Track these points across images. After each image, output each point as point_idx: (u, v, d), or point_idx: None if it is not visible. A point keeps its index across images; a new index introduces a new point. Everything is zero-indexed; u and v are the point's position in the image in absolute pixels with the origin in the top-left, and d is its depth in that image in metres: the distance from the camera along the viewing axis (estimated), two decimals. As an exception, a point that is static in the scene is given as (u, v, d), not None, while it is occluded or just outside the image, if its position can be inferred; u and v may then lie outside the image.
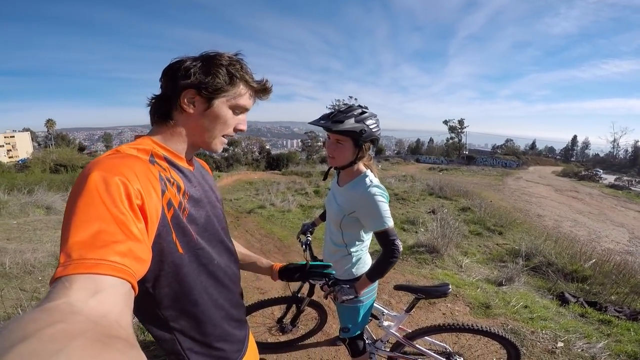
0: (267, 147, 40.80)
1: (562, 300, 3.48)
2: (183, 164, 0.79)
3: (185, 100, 0.73)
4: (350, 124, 1.29)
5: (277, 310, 2.47)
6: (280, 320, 2.16)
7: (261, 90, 0.83)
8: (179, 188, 0.72)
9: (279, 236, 5.60)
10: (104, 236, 0.50)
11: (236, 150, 30.96)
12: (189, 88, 0.72)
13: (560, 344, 2.44)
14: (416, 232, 5.84)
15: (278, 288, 3.35)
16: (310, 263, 1.13)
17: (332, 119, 1.30)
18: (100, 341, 0.33)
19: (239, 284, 0.98)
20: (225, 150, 32.61)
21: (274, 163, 25.71)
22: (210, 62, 0.73)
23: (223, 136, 0.81)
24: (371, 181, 1.36)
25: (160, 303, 0.72)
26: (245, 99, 0.79)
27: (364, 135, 1.30)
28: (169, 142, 0.76)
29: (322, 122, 1.33)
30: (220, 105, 0.76)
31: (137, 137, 0.76)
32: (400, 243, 1.32)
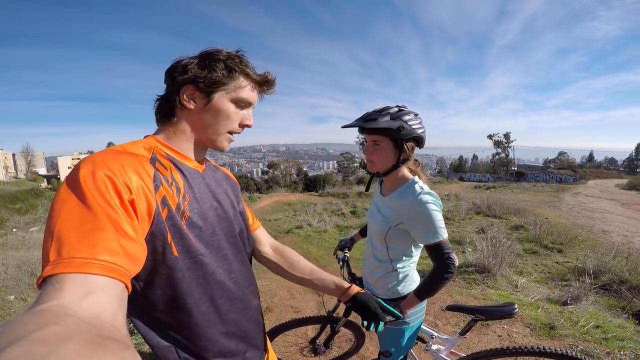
0: (304, 169, 41.52)
1: (640, 319, 3.01)
2: (190, 164, 0.76)
3: (185, 96, 0.72)
4: (385, 121, 1.18)
5: (310, 330, 2.36)
6: (313, 341, 2.03)
7: (264, 83, 0.80)
8: (178, 189, 0.69)
9: (315, 256, 5.54)
10: (95, 234, 0.48)
11: (275, 172, 31.86)
12: (187, 84, 0.71)
13: None
14: (463, 251, 5.47)
15: (312, 307, 3.24)
16: (383, 304, 0.98)
17: (366, 119, 1.21)
18: (94, 343, 0.33)
19: (255, 299, 0.90)
20: (265, 172, 33.73)
21: (311, 185, 25.98)
22: (207, 57, 0.73)
23: (229, 132, 0.78)
24: (422, 188, 1.22)
25: (154, 305, 0.68)
26: (246, 92, 0.77)
27: (403, 133, 1.18)
28: (173, 140, 0.75)
29: (355, 122, 1.24)
30: (220, 99, 0.74)
31: (146, 136, 0.76)
32: (455, 257, 1.18)
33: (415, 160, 1.33)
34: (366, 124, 1.19)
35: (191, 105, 0.73)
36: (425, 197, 1.18)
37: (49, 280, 0.43)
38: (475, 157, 69.52)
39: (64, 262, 0.44)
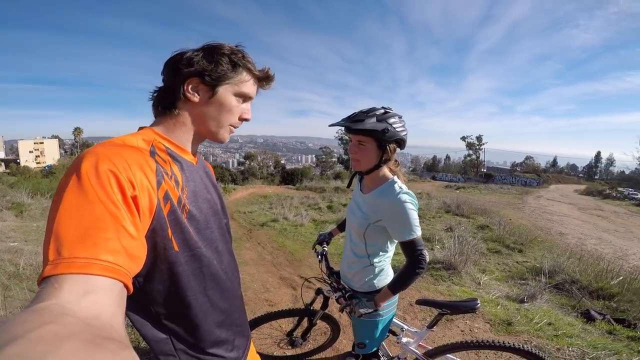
0: (282, 161, 41.17)
1: (588, 317, 3.30)
2: (186, 156, 0.77)
3: (190, 89, 0.72)
4: (371, 122, 1.22)
5: (286, 323, 2.41)
6: (290, 334, 2.08)
7: (264, 78, 0.82)
8: (177, 182, 0.70)
9: (290, 250, 5.56)
10: (96, 232, 0.47)
11: (252, 164, 31.37)
12: (192, 76, 0.72)
13: None
14: (432, 249, 5.68)
15: (287, 300, 3.29)
16: None
17: (353, 119, 1.25)
18: (92, 342, 0.32)
19: (239, 289, 0.94)
20: (241, 164, 33.12)
21: (289, 178, 25.79)
22: (212, 51, 0.73)
23: (230, 126, 0.80)
24: (401, 187, 1.28)
25: (153, 299, 0.69)
26: (249, 87, 0.79)
27: (387, 135, 1.22)
28: (172, 133, 0.75)
29: (342, 122, 1.27)
30: (225, 92, 0.75)
31: (140, 128, 0.75)
32: (427, 254, 1.25)
33: (396, 160, 1.39)
34: (353, 124, 1.23)
35: (195, 98, 0.73)
36: (404, 197, 1.24)
37: (48, 280, 0.42)
38: (448, 157, 71.65)
39: (64, 262, 0.43)
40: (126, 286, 0.49)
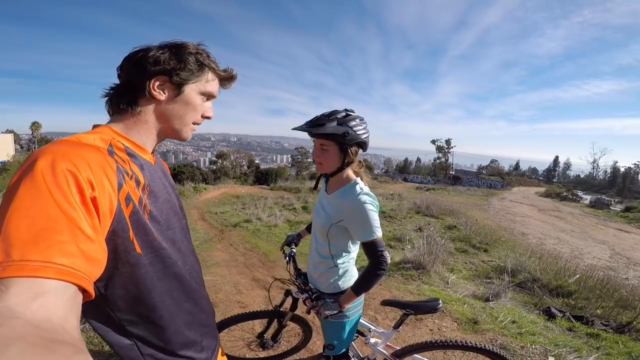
0: (256, 161, 40.59)
1: (549, 315, 3.49)
2: (145, 156, 0.75)
3: (156, 86, 0.71)
4: (332, 126, 1.23)
5: (258, 325, 2.37)
6: (260, 335, 2.05)
7: (228, 78, 0.84)
8: (137, 182, 0.68)
9: (264, 251, 5.48)
10: (51, 234, 0.45)
11: (225, 163, 30.68)
12: (159, 74, 0.71)
13: (551, 359, 2.43)
14: (403, 249, 5.80)
15: (260, 302, 3.24)
16: None
17: (314, 123, 1.26)
18: (41, 346, 0.31)
19: (204, 290, 0.93)
20: (213, 162, 32.33)
21: (263, 178, 25.49)
22: (179, 49, 0.73)
23: (193, 123, 0.81)
24: (361, 189, 1.30)
25: (115, 305, 0.66)
26: (213, 86, 0.80)
27: (348, 138, 1.24)
28: (132, 131, 0.73)
29: (303, 126, 1.28)
30: (191, 91, 0.76)
31: (95, 126, 0.71)
32: (388, 255, 1.27)
33: (360, 161, 1.42)
34: (314, 129, 1.25)
35: (161, 96, 0.72)
36: (364, 198, 1.26)
37: None
38: (418, 159, 73.61)
39: (15, 264, 0.41)
40: (86, 290, 0.48)
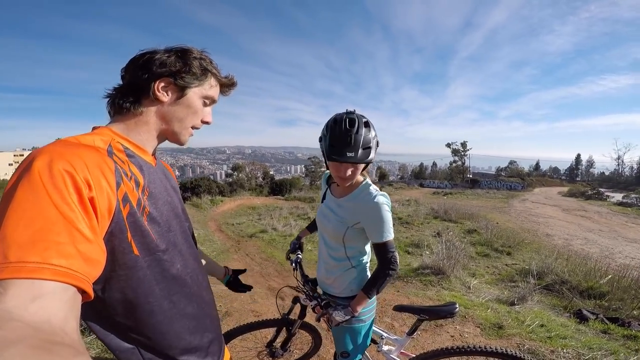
0: (271, 172, 40.94)
1: (580, 317, 3.29)
2: (145, 157, 0.75)
3: (160, 88, 0.72)
4: (362, 154, 1.20)
5: (268, 334, 2.34)
6: (270, 344, 2.00)
7: (229, 85, 0.86)
8: (137, 183, 0.67)
9: (279, 260, 5.48)
10: (48, 235, 0.44)
11: (240, 175, 31.08)
12: (164, 76, 0.72)
13: None
14: (421, 254, 5.66)
15: (275, 311, 3.19)
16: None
17: (346, 150, 1.19)
18: (41, 348, 0.31)
19: (210, 293, 0.91)
20: (229, 175, 32.79)
21: (277, 188, 25.62)
22: (184, 54, 0.75)
23: (192, 127, 0.81)
24: (377, 190, 1.32)
25: (113, 309, 0.64)
26: (214, 91, 0.82)
27: (369, 159, 1.24)
28: (133, 132, 0.74)
29: (339, 158, 1.20)
30: (193, 95, 0.77)
31: (94, 127, 0.72)
32: (398, 256, 1.28)
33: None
34: (348, 158, 1.18)
35: (165, 98, 0.74)
36: (381, 199, 1.27)
37: None
38: (434, 164, 72.57)
39: (12, 266, 0.40)
40: (85, 291, 0.47)
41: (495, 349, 1.47)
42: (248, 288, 1.38)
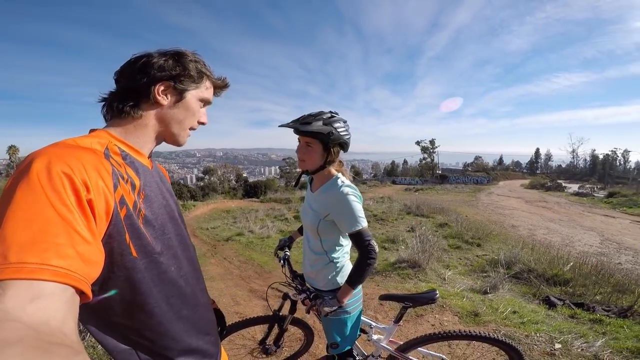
0: (244, 174, 40.31)
1: (549, 303, 3.52)
2: (142, 160, 0.75)
3: (160, 92, 0.74)
4: (318, 125, 1.30)
5: (259, 332, 2.34)
6: (262, 342, 2.01)
7: (222, 86, 0.89)
8: (133, 186, 0.67)
9: (259, 262, 5.42)
10: (47, 237, 0.45)
11: (212, 178, 30.37)
12: (164, 80, 0.73)
13: (558, 346, 2.44)
14: (397, 249, 5.82)
15: (259, 312, 3.18)
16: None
17: (302, 121, 1.32)
18: (40, 348, 0.31)
19: (206, 294, 0.92)
20: (200, 179, 31.99)
21: (252, 191, 25.31)
22: (180, 57, 0.76)
23: (190, 129, 0.84)
24: (343, 182, 1.37)
25: (111, 309, 0.64)
26: (209, 93, 0.85)
27: (332, 138, 1.32)
28: (131, 135, 0.74)
29: (291, 124, 1.34)
30: (191, 97, 0.79)
31: (91, 130, 0.71)
32: (375, 244, 1.30)
33: (340, 161, 1.47)
34: (301, 126, 1.31)
35: (165, 101, 0.75)
36: (346, 190, 1.32)
37: None
38: (405, 162, 74.26)
39: (11, 267, 0.41)
40: (84, 292, 0.48)
41: (479, 334, 1.58)
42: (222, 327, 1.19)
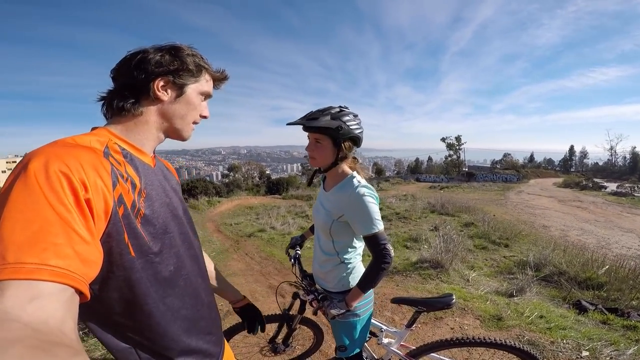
0: (267, 171, 40.86)
1: (579, 308, 3.31)
2: (143, 158, 0.74)
3: (160, 87, 0.73)
4: (325, 120, 1.25)
5: (271, 330, 2.35)
6: (272, 340, 2.02)
7: (220, 79, 0.88)
8: (133, 185, 0.67)
9: (279, 258, 5.48)
10: (45, 237, 0.45)
11: (236, 175, 31.03)
12: (163, 75, 0.73)
13: (585, 353, 2.28)
14: (419, 249, 5.69)
15: (276, 309, 3.20)
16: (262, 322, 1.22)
17: (309, 117, 1.27)
18: (39, 348, 0.32)
19: (209, 294, 0.91)
20: (225, 176, 32.74)
21: (274, 187, 25.59)
22: (177, 51, 0.75)
23: (193, 123, 0.83)
24: (359, 182, 1.30)
25: (111, 308, 0.64)
26: (209, 86, 0.84)
27: (342, 132, 1.26)
28: (131, 133, 0.73)
29: (298, 120, 1.30)
30: (192, 92, 0.78)
31: (93, 128, 0.71)
32: (391, 247, 1.24)
33: (354, 157, 1.41)
34: (308, 122, 1.26)
35: (165, 97, 0.74)
36: (362, 190, 1.25)
37: None
38: (430, 159, 72.67)
39: (10, 267, 0.41)
40: (82, 292, 0.48)
41: (495, 340, 1.49)
42: (259, 326, 1.24)
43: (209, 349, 0.84)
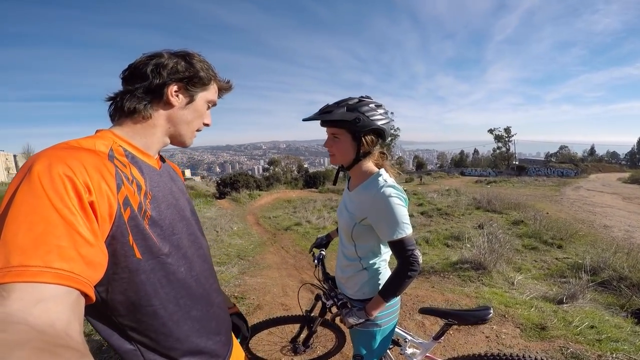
0: (305, 165, 41.33)
1: (639, 318, 2.95)
2: (149, 161, 0.75)
3: (173, 93, 0.74)
4: (340, 113, 1.14)
5: (293, 330, 2.37)
6: (293, 340, 2.02)
7: (227, 89, 0.90)
8: (139, 187, 0.67)
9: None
10: (50, 239, 0.45)
11: (276, 169, 31.81)
12: (177, 82, 0.74)
13: None
14: (461, 248, 5.41)
15: (305, 305, 3.22)
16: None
17: (323, 111, 1.18)
18: (46, 350, 0.32)
19: (219, 295, 0.91)
20: (265, 170, 33.69)
21: (311, 181, 25.83)
22: (191, 59, 0.77)
23: (196, 130, 0.84)
24: (385, 180, 1.17)
25: (116, 310, 0.65)
26: (216, 95, 0.86)
27: (360, 125, 1.13)
28: (138, 135, 0.74)
29: (313, 115, 1.20)
30: (200, 99, 0.80)
31: (98, 131, 0.72)
32: (419, 254, 1.13)
33: (382, 153, 1.29)
34: (322, 116, 1.17)
35: (176, 102, 0.76)
36: (388, 190, 1.13)
37: None
38: (476, 151, 69.05)
39: (14, 270, 0.41)
40: (86, 294, 0.48)
41: (532, 358, 1.28)
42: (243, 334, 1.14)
43: (216, 350, 0.84)
